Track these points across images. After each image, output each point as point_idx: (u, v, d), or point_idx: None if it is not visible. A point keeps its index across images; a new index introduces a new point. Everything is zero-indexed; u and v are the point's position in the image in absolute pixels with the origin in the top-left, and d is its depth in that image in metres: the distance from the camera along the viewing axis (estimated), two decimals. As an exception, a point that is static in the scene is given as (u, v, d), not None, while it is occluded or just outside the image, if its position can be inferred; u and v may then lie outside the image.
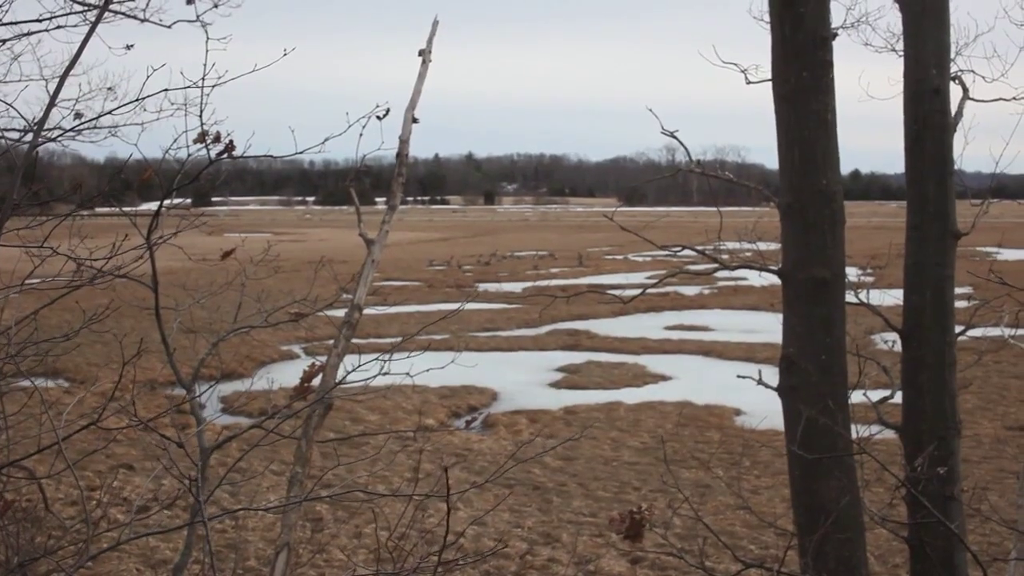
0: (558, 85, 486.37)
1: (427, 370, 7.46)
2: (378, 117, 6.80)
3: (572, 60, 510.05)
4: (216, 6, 9.66)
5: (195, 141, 5.95)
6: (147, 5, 7.68)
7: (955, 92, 9.86)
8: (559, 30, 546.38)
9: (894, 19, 9.76)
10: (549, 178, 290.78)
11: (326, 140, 6.67)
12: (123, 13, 7.65)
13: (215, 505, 17.38)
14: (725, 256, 9.89)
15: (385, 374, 7.03)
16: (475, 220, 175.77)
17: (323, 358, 7.36)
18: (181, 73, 6.27)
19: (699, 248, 8.50)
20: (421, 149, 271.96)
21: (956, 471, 9.00)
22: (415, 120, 8.09)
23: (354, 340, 7.37)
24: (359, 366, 7.00)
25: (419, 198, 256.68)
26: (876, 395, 9.74)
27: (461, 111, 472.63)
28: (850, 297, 8.95)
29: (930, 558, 8.43)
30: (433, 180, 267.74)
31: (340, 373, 7.30)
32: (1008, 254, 78.23)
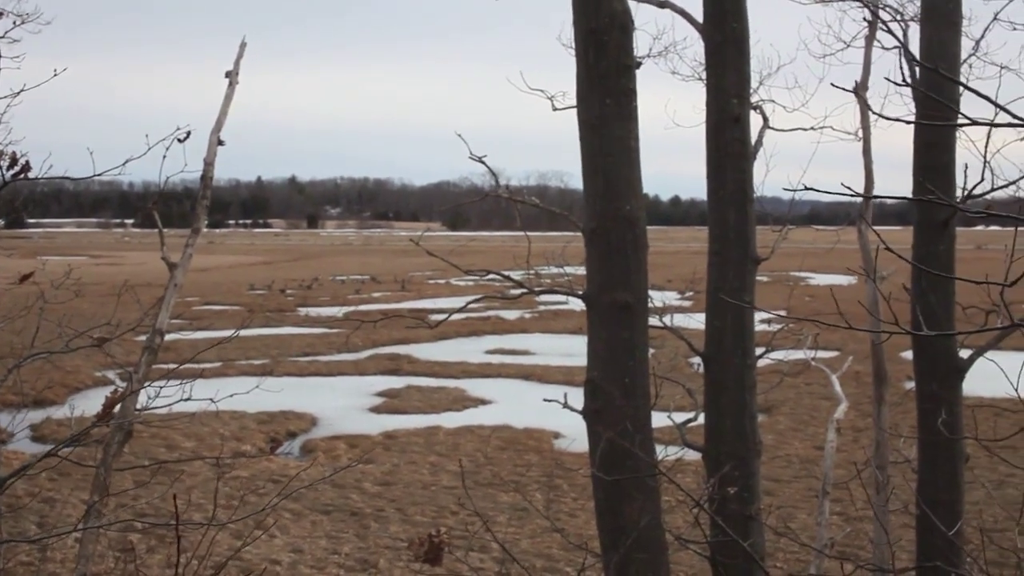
0: (384, 109, 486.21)
1: (231, 395, 7.37)
2: (179, 140, 6.74)
3: (399, 84, 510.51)
4: (22, 23, 9.45)
5: (-11, 162, 5.81)
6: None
7: (757, 121, 10.13)
8: (386, 54, 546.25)
9: (700, 48, 9.94)
10: (373, 202, 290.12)
11: (126, 162, 6.60)
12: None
13: (19, 536, 16.83)
14: (547, 280, 9.99)
15: (187, 399, 6.92)
16: (298, 244, 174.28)
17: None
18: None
19: (504, 273, 8.56)
20: (243, 172, 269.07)
21: (756, 491, 9.21)
22: (221, 142, 8.03)
23: (170, 365, 7.24)
24: (161, 391, 6.87)
25: (241, 221, 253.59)
26: (682, 417, 9.93)
27: (284, 134, 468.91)
28: (655, 321, 9.09)
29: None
30: (255, 203, 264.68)
31: (142, 399, 7.17)
32: (820, 279, 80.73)
